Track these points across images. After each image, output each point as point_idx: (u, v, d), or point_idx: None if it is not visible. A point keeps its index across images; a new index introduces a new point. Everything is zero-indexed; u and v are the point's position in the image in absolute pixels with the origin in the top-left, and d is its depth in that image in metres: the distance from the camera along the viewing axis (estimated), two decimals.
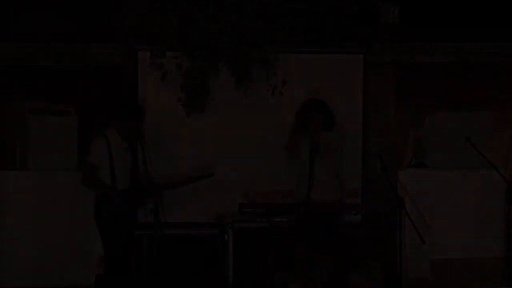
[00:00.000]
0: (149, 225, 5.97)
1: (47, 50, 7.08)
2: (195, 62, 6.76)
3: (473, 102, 7.38)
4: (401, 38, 7.23)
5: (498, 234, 6.50)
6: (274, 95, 6.89)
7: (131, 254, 6.23)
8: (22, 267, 6.46)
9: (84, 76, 7.13)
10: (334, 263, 5.89)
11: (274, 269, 5.99)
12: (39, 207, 6.50)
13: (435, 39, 7.29)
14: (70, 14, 7.10)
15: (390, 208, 6.03)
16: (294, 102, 6.59)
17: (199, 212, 6.83)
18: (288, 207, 6.36)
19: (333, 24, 6.95)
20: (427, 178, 6.66)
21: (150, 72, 6.83)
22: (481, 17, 7.24)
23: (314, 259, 5.86)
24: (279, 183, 6.75)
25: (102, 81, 7.10)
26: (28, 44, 7.10)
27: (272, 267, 6.10)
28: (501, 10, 7.34)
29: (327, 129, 6.25)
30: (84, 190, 5.99)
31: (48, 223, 6.48)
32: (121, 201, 5.90)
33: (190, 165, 6.80)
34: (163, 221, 5.86)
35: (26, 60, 7.12)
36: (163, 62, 6.79)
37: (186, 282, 6.62)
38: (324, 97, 6.40)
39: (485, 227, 6.56)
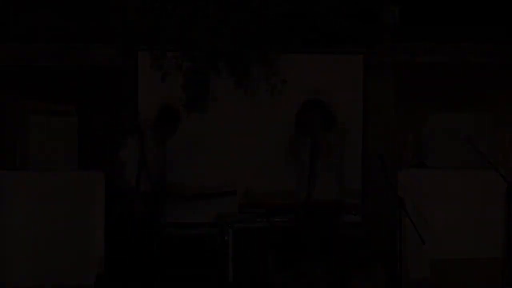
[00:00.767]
0: (148, 224, 5.96)
1: (47, 50, 7.09)
2: (195, 62, 6.77)
3: (473, 102, 7.37)
4: (401, 38, 7.24)
5: (498, 234, 6.50)
6: (274, 95, 6.90)
7: (133, 254, 6.22)
8: (22, 267, 6.44)
9: (84, 76, 7.13)
10: (335, 264, 5.89)
11: (274, 269, 5.99)
12: (39, 207, 6.49)
13: (435, 39, 7.30)
14: (70, 14, 7.10)
15: (390, 208, 6.03)
16: (294, 102, 6.60)
17: (199, 212, 6.83)
18: (288, 207, 6.37)
19: (333, 24, 6.95)
20: (427, 178, 6.65)
21: (150, 72, 6.84)
22: (481, 17, 7.25)
23: (314, 260, 5.86)
24: (279, 183, 6.76)
25: (102, 81, 7.10)
26: (28, 44, 7.10)
27: (272, 267, 6.10)
28: (501, 10, 7.34)
29: (327, 129, 6.25)
30: (85, 189, 5.98)
31: (48, 223, 6.47)
32: (143, 205, 5.84)
33: (190, 165, 6.80)
34: (163, 222, 5.86)
35: (26, 60, 7.12)
36: (163, 62, 6.79)
37: (186, 282, 6.62)
38: (324, 97, 6.40)
39: (485, 227, 6.55)
